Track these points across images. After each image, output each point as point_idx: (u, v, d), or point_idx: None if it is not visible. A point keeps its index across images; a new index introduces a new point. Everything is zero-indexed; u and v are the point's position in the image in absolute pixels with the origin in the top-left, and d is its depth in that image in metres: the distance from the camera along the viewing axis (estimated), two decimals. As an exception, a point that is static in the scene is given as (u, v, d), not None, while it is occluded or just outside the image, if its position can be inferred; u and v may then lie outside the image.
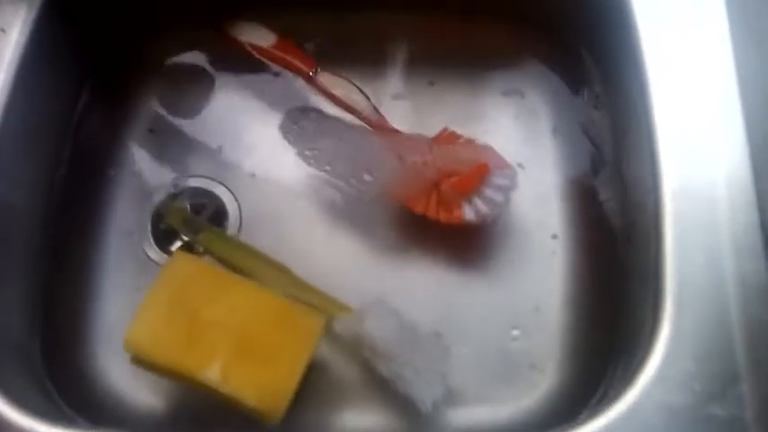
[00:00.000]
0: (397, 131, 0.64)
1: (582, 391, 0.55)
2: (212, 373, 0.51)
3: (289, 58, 0.65)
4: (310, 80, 0.65)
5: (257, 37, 0.66)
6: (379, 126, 0.63)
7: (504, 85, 0.70)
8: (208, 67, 0.71)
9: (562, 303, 0.62)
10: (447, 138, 0.63)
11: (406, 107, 0.68)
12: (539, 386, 0.60)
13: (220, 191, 0.67)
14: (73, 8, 0.62)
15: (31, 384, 0.55)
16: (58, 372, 0.57)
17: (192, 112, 0.70)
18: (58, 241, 0.62)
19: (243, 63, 0.69)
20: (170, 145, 0.69)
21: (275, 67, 0.68)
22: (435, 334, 0.59)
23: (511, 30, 0.70)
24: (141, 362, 0.53)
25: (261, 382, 0.51)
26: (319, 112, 0.67)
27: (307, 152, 0.62)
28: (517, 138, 0.68)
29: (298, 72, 0.65)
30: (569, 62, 0.68)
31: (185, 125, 0.69)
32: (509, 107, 0.69)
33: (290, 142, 0.64)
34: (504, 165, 0.60)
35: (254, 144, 0.68)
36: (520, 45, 0.70)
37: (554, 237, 0.64)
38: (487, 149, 0.61)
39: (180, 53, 0.72)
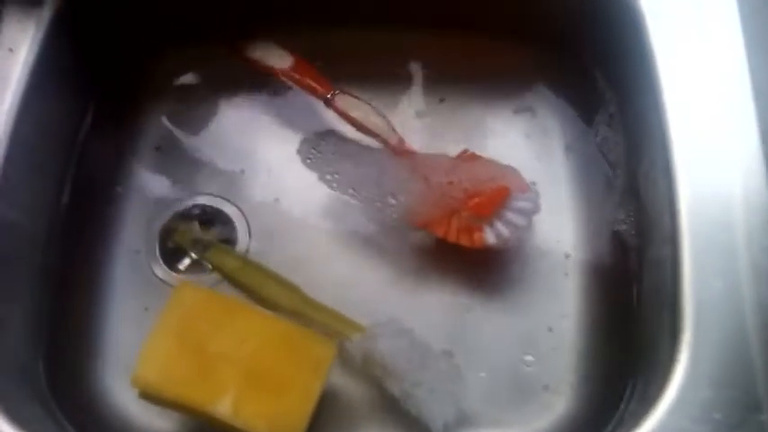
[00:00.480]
0: (416, 153, 0.63)
1: (596, 417, 0.54)
2: (223, 407, 0.50)
3: (306, 80, 0.64)
4: (328, 103, 0.64)
5: (273, 58, 0.65)
6: (399, 149, 0.63)
7: (516, 103, 0.69)
8: (218, 85, 0.71)
9: (576, 325, 0.61)
10: (469, 158, 0.62)
11: (417, 124, 0.68)
12: (553, 409, 0.59)
13: (230, 210, 0.66)
14: (81, 27, 0.61)
15: (35, 406, 0.54)
16: (64, 393, 0.56)
17: (201, 130, 0.69)
18: (63, 260, 0.61)
19: (255, 81, 0.69)
20: (178, 163, 0.68)
21: (289, 86, 0.67)
22: (447, 353, 0.58)
23: (522, 47, 0.69)
24: (150, 397, 0.52)
25: (273, 414, 0.50)
26: (338, 135, 0.66)
27: (328, 176, 0.61)
28: (529, 156, 0.67)
29: (315, 94, 0.64)
30: (582, 80, 0.67)
31: (194, 144, 0.69)
32: (520, 125, 0.68)
33: (308, 167, 0.63)
34: (525, 187, 0.59)
35: (267, 164, 0.67)
36: (531, 63, 0.70)
37: (567, 256, 0.63)
38: (510, 170, 0.60)
39: (190, 71, 0.71)
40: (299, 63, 0.65)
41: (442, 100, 0.69)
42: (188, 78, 0.71)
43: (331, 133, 0.66)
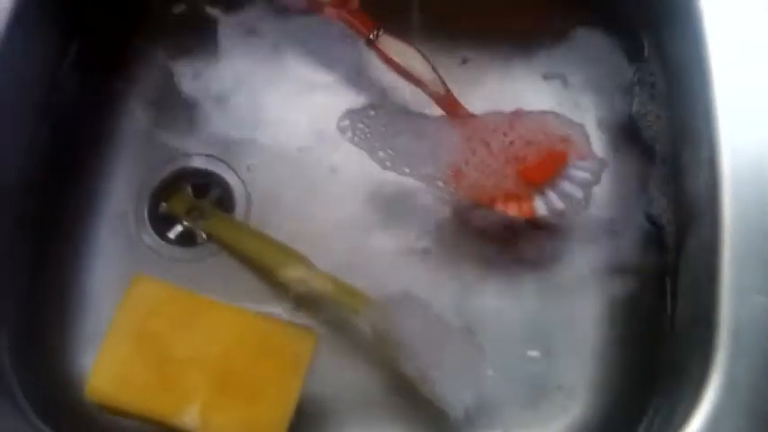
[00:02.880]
0: (468, 112, 0.56)
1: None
2: (190, 418, 0.46)
3: (348, 16, 0.57)
4: (370, 44, 0.57)
5: None
6: (448, 103, 0.56)
7: (546, 68, 0.62)
8: (224, 20, 0.63)
9: (597, 325, 0.56)
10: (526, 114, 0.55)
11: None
12: (569, 411, 0.54)
13: (227, 173, 0.61)
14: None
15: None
16: (33, 380, 0.51)
17: (204, 78, 0.62)
18: (41, 222, 0.56)
19: (268, 17, 0.62)
20: (175, 116, 0.62)
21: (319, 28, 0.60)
22: (468, 330, 0.55)
23: (555, 3, 0.62)
24: (109, 409, 0.48)
25: (247, 422, 0.46)
26: (383, 106, 0.59)
27: (381, 153, 0.54)
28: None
29: (357, 33, 0.57)
30: (624, 44, 0.60)
31: (194, 94, 0.62)
32: (550, 93, 0.62)
33: (355, 144, 0.55)
34: (587, 154, 0.53)
35: (279, 120, 0.61)
36: (566, 21, 0.62)
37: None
38: (578, 129, 0.53)
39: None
40: None
41: (464, 61, 0.62)
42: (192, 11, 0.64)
43: (379, 106, 0.58)
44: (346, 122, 0.55)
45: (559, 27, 0.62)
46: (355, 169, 0.59)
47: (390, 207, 0.59)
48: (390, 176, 0.54)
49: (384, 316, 0.52)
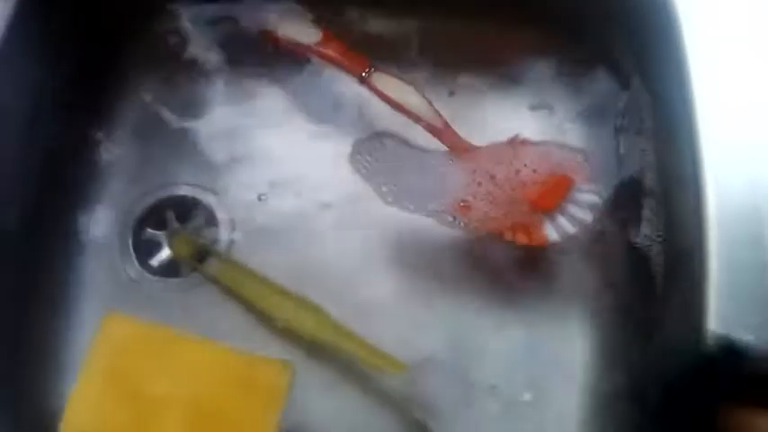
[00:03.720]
0: (468, 144, 0.56)
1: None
2: None
3: (339, 57, 0.57)
4: (363, 80, 0.57)
5: (299, 33, 0.59)
6: (447, 137, 0.55)
7: (533, 99, 0.62)
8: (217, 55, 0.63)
9: (585, 361, 0.55)
10: (524, 144, 0.55)
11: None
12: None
13: (215, 204, 0.60)
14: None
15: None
16: (10, 417, 0.51)
17: (190, 109, 0.62)
18: (25, 255, 0.55)
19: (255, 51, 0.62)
20: (162, 145, 0.61)
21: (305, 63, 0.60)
22: (492, 387, 0.54)
23: (542, 35, 0.62)
24: None
25: (224, 458, 0.45)
26: (392, 137, 0.59)
27: (384, 188, 0.54)
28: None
29: (348, 71, 0.57)
30: (610, 76, 0.60)
31: (180, 124, 0.62)
32: (537, 122, 0.62)
33: (363, 177, 0.55)
34: (589, 176, 0.53)
35: (270, 153, 0.61)
36: (552, 53, 0.62)
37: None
38: (577, 153, 0.54)
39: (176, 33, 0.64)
40: (329, 38, 0.58)
41: (451, 93, 0.62)
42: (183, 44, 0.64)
43: (389, 137, 0.59)
44: (352, 154, 0.55)
45: (545, 58, 0.62)
46: (349, 205, 0.59)
47: (386, 243, 0.59)
48: (387, 211, 0.54)
49: (411, 380, 0.52)
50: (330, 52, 0.58)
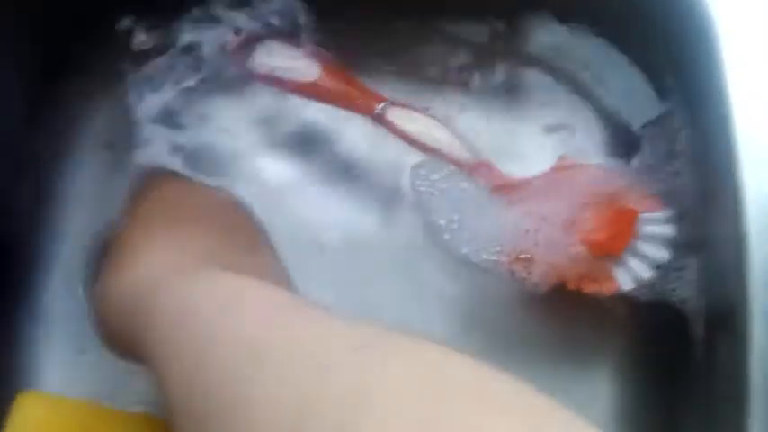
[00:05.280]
0: (510, 179, 0.48)
1: None
2: None
3: (344, 99, 0.49)
4: (378, 119, 0.49)
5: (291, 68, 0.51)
6: (483, 172, 0.48)
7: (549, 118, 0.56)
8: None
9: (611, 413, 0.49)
10: (570, 167, 0.47)
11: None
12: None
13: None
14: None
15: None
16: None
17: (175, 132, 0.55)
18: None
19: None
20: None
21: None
22: None
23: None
24: None
25: None
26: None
27: (441, 222, 0.48)
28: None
29: (357, 110, 0.50)
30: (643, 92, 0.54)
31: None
32: (554, 145, 0.55)
33: (420, 206, 0.50)
34: (657, 204, 0.45)
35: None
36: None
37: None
38: (629, 174, 0.46)
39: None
40: (330, 71, 0.50)
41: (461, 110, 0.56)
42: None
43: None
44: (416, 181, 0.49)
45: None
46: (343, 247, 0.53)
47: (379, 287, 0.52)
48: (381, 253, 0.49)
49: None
50: (336, 95, 0.50)
